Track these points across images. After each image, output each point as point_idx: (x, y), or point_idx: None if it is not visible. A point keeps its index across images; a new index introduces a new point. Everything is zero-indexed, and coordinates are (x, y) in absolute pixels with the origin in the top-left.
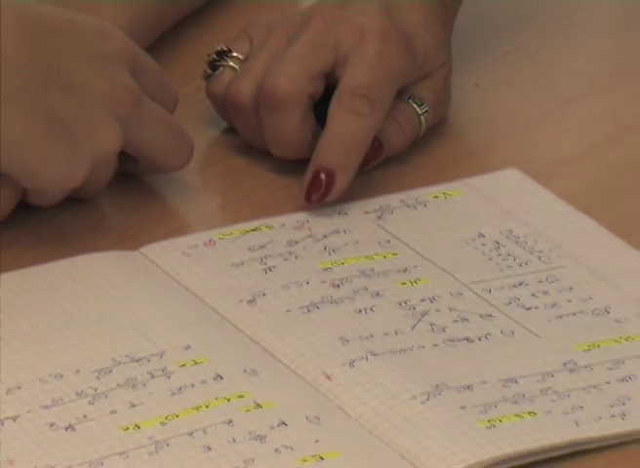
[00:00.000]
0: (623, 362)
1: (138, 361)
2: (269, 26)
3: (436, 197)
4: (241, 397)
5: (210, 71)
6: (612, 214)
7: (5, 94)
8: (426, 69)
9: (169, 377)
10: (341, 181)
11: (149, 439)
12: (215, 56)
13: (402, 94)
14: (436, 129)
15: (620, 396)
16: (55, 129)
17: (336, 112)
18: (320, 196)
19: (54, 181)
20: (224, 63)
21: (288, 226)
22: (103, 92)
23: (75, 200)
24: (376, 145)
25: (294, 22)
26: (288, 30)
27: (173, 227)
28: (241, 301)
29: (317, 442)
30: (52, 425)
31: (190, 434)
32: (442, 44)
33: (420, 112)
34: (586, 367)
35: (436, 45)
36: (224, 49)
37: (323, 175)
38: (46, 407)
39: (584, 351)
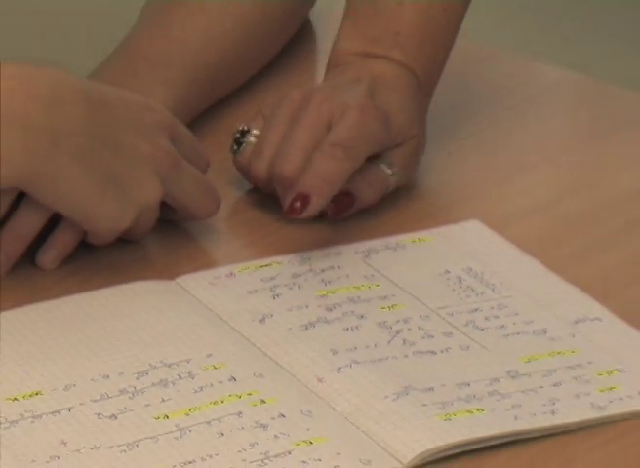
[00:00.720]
0: (555, 371)
1: (169, 365)
2: (277, 106)
3: (413, 241)
4: (250, 394)
5: (235, 147)
6: (552, 257)
7: (71, 154)
8: (399, 140)
9: (193, 378)
10: (315, 204)
11: (176, 426)
12: (238, 134)
13: (376, 158)
14: (414, 190)
15: (551, 398)
16: (108, 183)
17: (316, 156)
18: (296, 213)
19: (107, 225)
20: (246, 140)
21: (293, 263)
22: (147, 154)
23: (125, 240)
24: (347, 199)
25: (294, 105)
26: (290, 111)
27: (202, 262)
28: (253, 320)
29: (308, 430)
30: (99, 415)
31: (208, 423)
32: (414, 120)
33: (390, 173)
34: (525, 375)
35: (409, 121)
36: (245, 129)
37: (299, 202)
38: (95, 400)
39: (525, 362)
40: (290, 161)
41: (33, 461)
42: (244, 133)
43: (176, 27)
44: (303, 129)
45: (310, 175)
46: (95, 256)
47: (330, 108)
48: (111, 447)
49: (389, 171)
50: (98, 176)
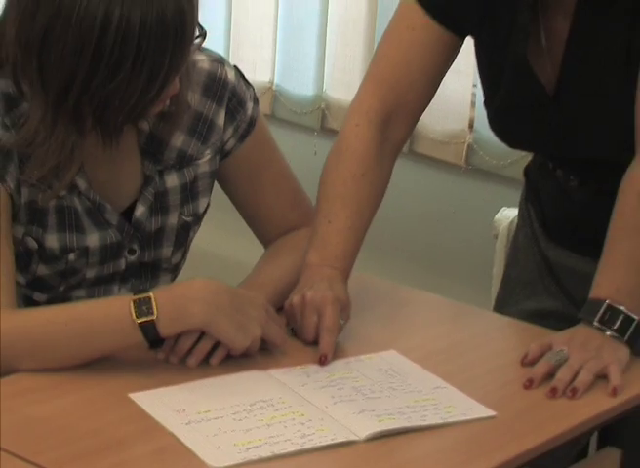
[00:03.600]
0: (425, 405)
1: (263, 401)
2: (297, 306)
3: (366, 358)
4: (297, 412)
5: (291, 332)
6: (426, 364)
7: (224, 315)
8: (346, 315)
9: (274, 406)
10: (329, 359)
11: (266, 424)
12: (290, 329)
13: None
14: (371, 339)
15: (423, 414)
16: (239, 327)
17: (323, 336)
18: (323, 363)
19: (238, 346)
20: (292, 329)
21: (316, 366)
22: (255, 316)
23: (245, 354)
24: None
25: (301, 303)
26: (299, 307)
27: (279, 364)
28: (299, 385)
29: (321, 425)
30: (234, 419)
31: (279, 422)
32: (348, 297)
33: (342, 323)
34: (413, 406)
35: (348, 298)
36: (289, 327)
37: (323, 358)
38: (233, 414)
39: (413, 402)
40: (306, 337)
41: (206, 436)
42: (290, 327)
43: (269, 267)
44: (307, 317)
45: (323, 346)
46: (233, 360)
47: (317, 303)
48: (241, 430)
49: (343, 322)
50: (235, 325)
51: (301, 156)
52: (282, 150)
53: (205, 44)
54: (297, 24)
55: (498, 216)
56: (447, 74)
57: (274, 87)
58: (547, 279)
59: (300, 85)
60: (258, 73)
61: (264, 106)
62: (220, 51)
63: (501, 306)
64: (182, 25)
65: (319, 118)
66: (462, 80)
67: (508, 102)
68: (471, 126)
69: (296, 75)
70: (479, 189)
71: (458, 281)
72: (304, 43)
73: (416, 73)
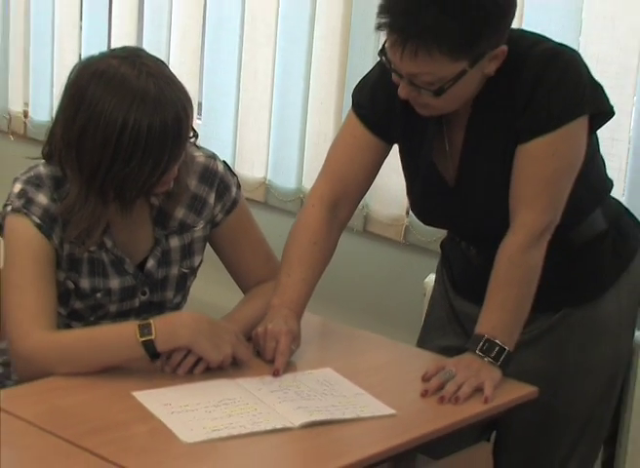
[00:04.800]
0: (346, 405)
1: (228, 399)
2: (260, 336)
3: (309, 373)
4: (252, 407)
5: (256, 353)
6: (354, 380)
7: (204, 337)
8: (296, 343)
9: (235, 403)
10: (280, 373)
11: (228, 414)
12: (255, 351)
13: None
14: (316, 360)
15: (344, 411)
16: (214, 346)
17: (277, 358)
18: (275, 375)
19: (213, 360)
20: (258, 351)
21: (271, 377)
22: (228, 340)
23: (220, 367)
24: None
25: (263, 333)
26: (262, 335)
27: (243, 375)
28: (256, 389)
29: (268, 417)
30: (205, 411)
31: (237, 414)
32: (299, 329)
33: (294, 349)
34: (338, 405)
35: (299, 330)
36: (256, 350)
37: (276, 372)
38: (205, 407)
39: (338, 403)
40: (266, 357)
41: (184, 422)
42: (256, 349)
43: (244, 308)
44: (267, 343)
45: (277, 364)
46: (211, 371)
47: (275, 333)
48: (209, 419)
49: (294, 348)
50: (211, 345)
51: (286, 233)
52: (272, 229)
53: (217, 151)
54: (284, 136)
55: (426, 280)
56: (390, 173)
57: (267, 181)
58: (454, 323)
59: (286, 180)
60: (255, 171)
61: (259, 196)
62: (228, 154)
63: (422, 343)
64: (179, 130)
65: (299, 205)
66: (402, 177)
67: (421, 193)
68: (408, 212)
69: (283, 173)
70: (413, 259)
71: (396, 326)
72: (290, 150)
73: (357, 169)
